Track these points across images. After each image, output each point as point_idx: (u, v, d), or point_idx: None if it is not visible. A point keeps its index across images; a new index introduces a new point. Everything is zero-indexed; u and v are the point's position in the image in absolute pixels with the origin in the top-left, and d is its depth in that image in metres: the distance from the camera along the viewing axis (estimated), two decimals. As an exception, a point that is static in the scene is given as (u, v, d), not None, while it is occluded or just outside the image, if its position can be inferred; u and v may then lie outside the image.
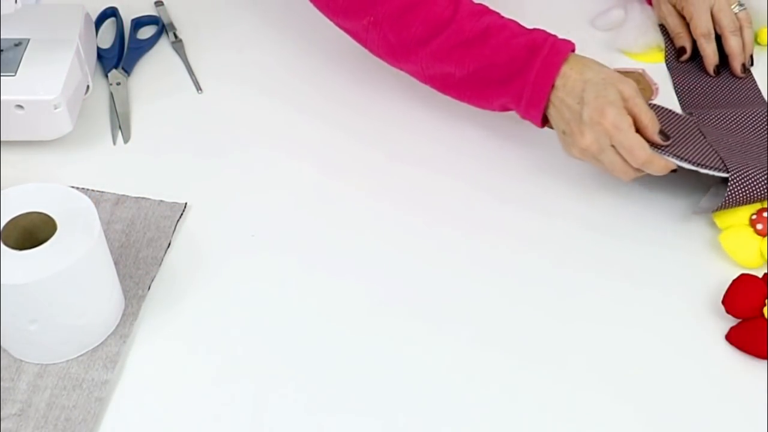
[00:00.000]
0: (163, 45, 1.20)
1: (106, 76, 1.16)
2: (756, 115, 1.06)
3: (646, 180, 1.01)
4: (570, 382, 0.88)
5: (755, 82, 1.13)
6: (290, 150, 1.08)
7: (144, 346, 0.91)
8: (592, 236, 0.99)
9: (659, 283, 0.95)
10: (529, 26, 1.01)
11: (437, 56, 1.01)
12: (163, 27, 1.22)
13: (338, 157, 1.07)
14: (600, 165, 0.97)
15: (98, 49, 1.17)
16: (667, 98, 1.13)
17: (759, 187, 0.96)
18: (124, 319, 0.92)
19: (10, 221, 0.86)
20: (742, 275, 0.92)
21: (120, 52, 1.19)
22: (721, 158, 0.97)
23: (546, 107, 0.98)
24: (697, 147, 0.98)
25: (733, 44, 1.12)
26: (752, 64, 1.14)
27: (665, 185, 1.02)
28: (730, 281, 0.92)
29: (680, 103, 1.12)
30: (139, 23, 1.22)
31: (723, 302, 0.91)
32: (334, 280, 0.96)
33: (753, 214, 0.97)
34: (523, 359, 0.90)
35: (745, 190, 0.96)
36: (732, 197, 0.96)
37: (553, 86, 0.97)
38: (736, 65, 1.13)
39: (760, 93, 1.12)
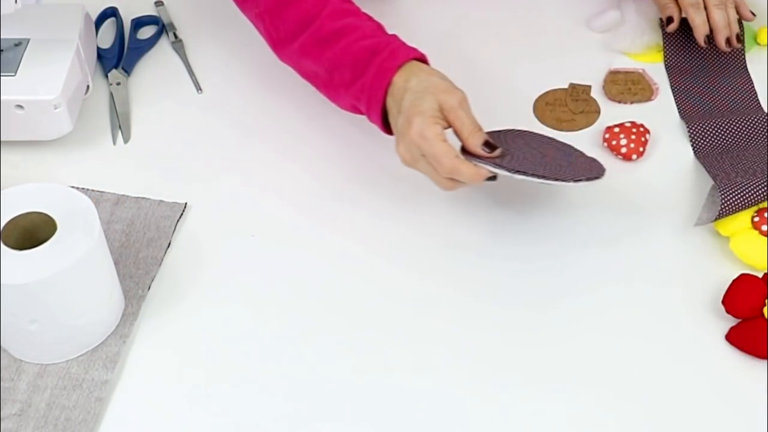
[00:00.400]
0: (163, 45, 1.20)
1: (106, 76, 1.16)
2: (751, 123, 1.07)
3: (648, 188, 1.02)
4: (570, 382, 0.88)
5: (753, 83, 1.13)
6: (290, 150, 1.08)
7: (144, 346, 0.91)
8: (594, 239, 0.99)
9: (659, 284, 0.95)
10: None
11: (302, 53, 1.02)
12: (163, 27, 1.22)
13: (339, 156, 1.07)
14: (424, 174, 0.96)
15: (98, 49, 1.17)
16: (668, 97, 1.13)
17: (750, 193, 0.96)
18: (124, 319, 0.92)
19: (10, 221, 0.86)
20: (742, 275, 0.92)
21: (120, 52, 1.19)
22: (549, 169, 0.94)
23: (384, 113, 0.98)
24: (531, 159, 0.96)
25: (717, 18, 1.12)
26: (740, 42, 1.14)
27: (666, 193, 1.02)
28: (730, 281, 0.92)
29: (677, 105, 1.12)
30: (139, 23, 1.22)
31: (723, 302, 0.91)
32: (334, 280, 0.96)
33: (754, 216, 0.97)
34: (522, 358, 0.90)
35: (738, 198, 0.96)
36: (727, 207, 0.96)
37: (385, 92, 0.96)
38: (720, 39, 1.12)
39: (756, 95, 1.12)
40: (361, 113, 1.01)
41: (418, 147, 0.93)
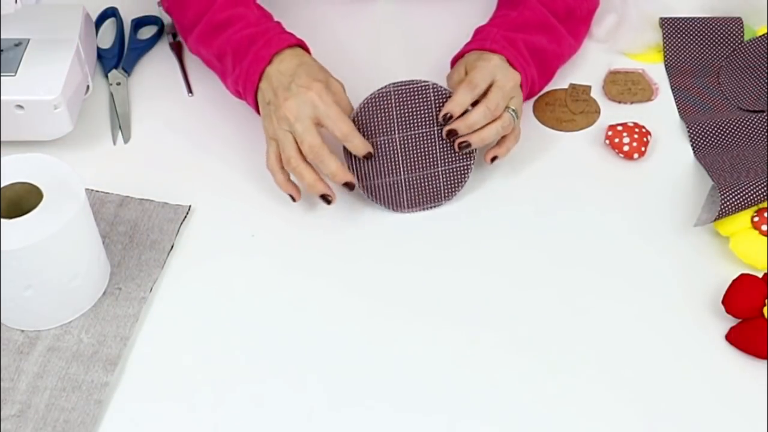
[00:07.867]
0: (163, 45, 1.20)
1: (106, 76, 1.16)
2: (751, 123, 1.07)
3: (648, 188, 1.02)
4: (570, 381, 0.88)
5: (752, 83, 1.13)
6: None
7: (144, 349, 0.91)
8: (593, 239, 0.99)
9: (659, 284, 0.95)
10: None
11: (198, 42, 1.08)
12: (162, 27, 1.22)
13: (339, 155, 1.07)
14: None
15: (98, 49, 1.17)
16: (668, 97, 1.13)
17: (750, 193, 0.96)
18: (124, 321, 0.92)
19: None
20: (742, 275, 0.93)
21: (120, 52, 1.19)
22: None
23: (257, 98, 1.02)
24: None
25: (486, 133, 1.00)
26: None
27: (666, 193, 1.03)
28: (730, 281, 0.92)
29: (677, 104, 1.12)
30: (139, 23, 1.22)
31: (723, 302, 0.91)
32: (336, 280, 0.96)
33: (754, 216, 0.97)
34: (523, 358, 0.90)
35: (738, 198, 0.96)
36: (727, 207, 0.96)
37: (260, 78, 1.00)
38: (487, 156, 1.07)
39: (756, 95, 1.12)
40: (243, 98, 1.05)
41: (314, 107, 0.95)
